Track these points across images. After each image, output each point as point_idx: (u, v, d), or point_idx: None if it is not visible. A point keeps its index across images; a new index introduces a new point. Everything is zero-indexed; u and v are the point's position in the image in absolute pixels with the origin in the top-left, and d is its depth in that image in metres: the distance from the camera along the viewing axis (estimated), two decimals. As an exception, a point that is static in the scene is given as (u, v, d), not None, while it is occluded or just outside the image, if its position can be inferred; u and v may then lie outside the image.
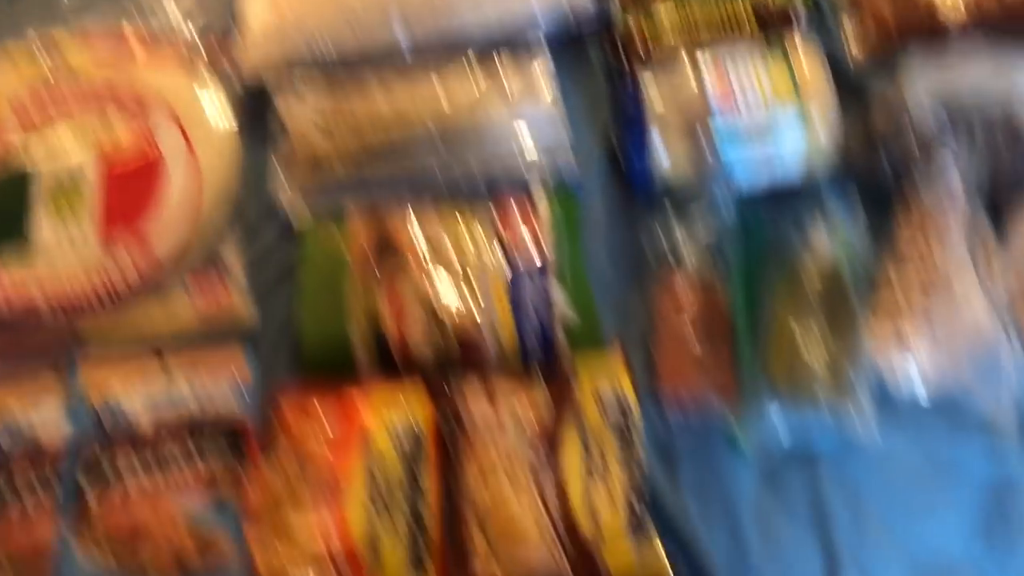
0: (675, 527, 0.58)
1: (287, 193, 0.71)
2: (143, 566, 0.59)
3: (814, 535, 0.58)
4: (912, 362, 0.59)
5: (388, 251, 0.66)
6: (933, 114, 0.61)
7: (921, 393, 0.60)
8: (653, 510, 0.58)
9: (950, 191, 0.60)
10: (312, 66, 0.73)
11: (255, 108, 0.74)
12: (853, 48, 0.71)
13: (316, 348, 0.64)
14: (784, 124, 0.63)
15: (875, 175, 0.66)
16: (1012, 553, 0.57)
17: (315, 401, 0.61)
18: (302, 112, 0.72)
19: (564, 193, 0.69)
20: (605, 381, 0.60)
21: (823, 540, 0.58)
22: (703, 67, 0.65)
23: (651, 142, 0.63)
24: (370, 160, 0.71)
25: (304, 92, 0.72)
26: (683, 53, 0.67)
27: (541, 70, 0.73)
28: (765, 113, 0.62)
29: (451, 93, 0.72)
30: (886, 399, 0.61)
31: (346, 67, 0.74)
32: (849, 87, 0.70)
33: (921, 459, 0.60)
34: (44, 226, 0.67)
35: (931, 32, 0.71)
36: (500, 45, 0.73)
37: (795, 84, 0.63)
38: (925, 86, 0.60)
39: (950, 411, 0.60)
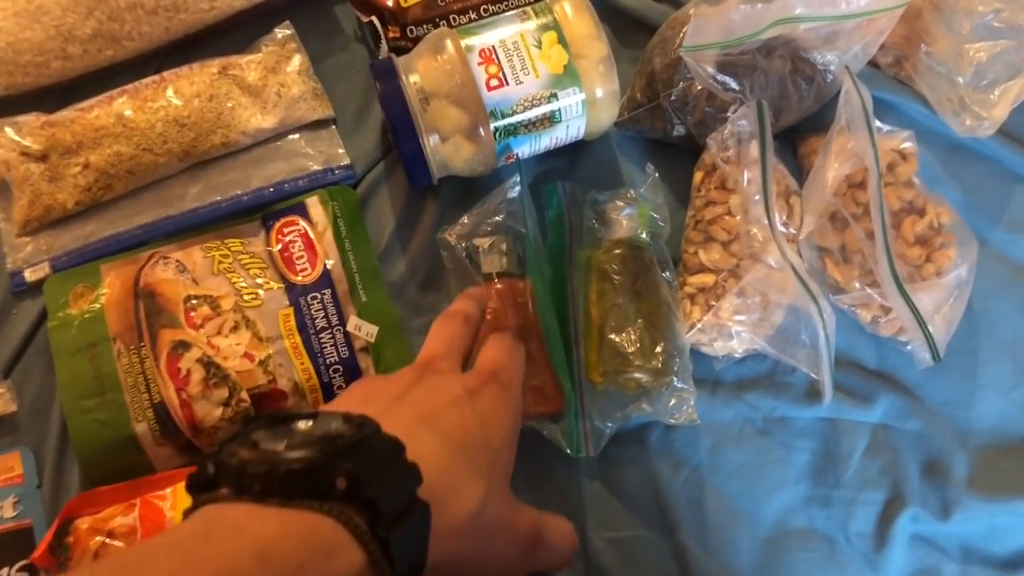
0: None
1: (13, 244, 0.61)
2: None
3: (653, 516, 0.58)
4: (724, 333, 0.57)
5: (153, 309, 0.58)
6: (712, 60, 0.57)
7: (737, 359, 0.59)
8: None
9: (741, 139, 0.56)
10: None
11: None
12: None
13: (96, 451, 0.56)
14: (558, 87, 0.57)
15: (665, 129, 0.62)
16: (837, 486, 0.58)
17: (107, 514, 0.54)
18: (7, 136, 0.61)
19: (342, 195, 0.62)
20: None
21: (664, 527, 0.57)
22: (463, 35, 0.57)
23: (419, 132, 0.57)
24: (105, 186, 0.61)
25: (7, 123, 0.61)
26: (442, 28, 0.59)
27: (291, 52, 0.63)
28: (536, 80, 0.56)
29: (186, 96, 0.62)
30: (706, 371, 0.60)
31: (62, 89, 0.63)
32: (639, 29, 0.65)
33: (744, 423, 0.59)
34: None
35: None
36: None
37: (564, 43, 0.57)
38: (700, 27, 0.55)
39: (767, 372, 0.60)
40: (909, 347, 0.57)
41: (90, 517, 0.55)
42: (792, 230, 0.59)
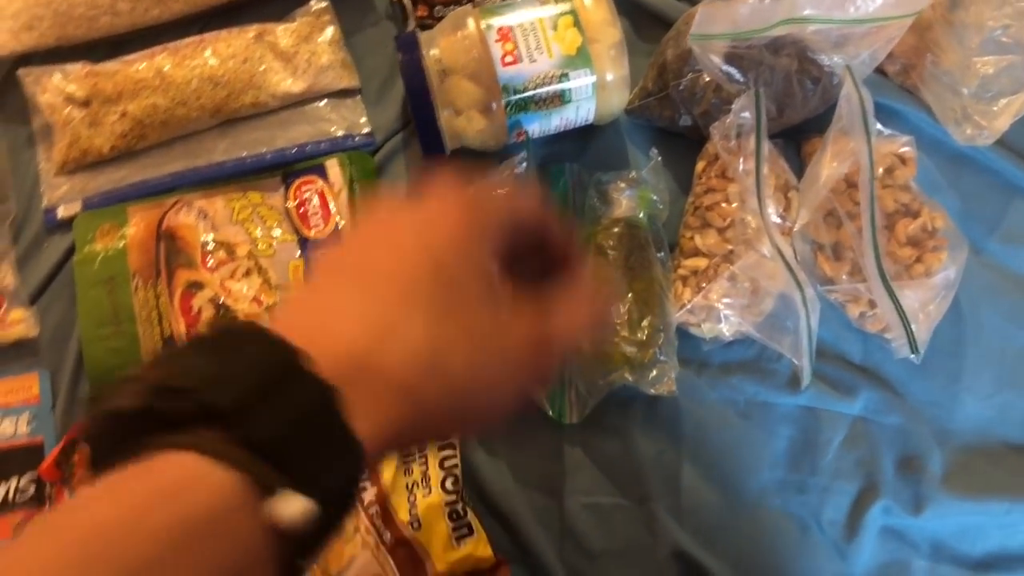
0: (496, 503, 0.58)
1: (50, 183, 0.65)
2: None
3: (629, 485, 0.59)
4: (713, 315, 0.59)
5: (173, 250, 0.61)
6: (720, 52, 0.59)
7: (725, 343, 0.61)
8: (473, 490, 0.58)
9: (742, 131, 0.58)
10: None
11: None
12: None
13: (105, 376, 0.59)
14: (570, 68, 0.59)
15: (673, 119, 0.64)
16: (813, 474, 0.60)
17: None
18: (54, 82, 0.65)
19: (360, 160, 0.65)
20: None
21: (639, 495, 0.59)
22: (484, 15, 0.60)
23: (435, 103, 0.60)
24: (140, 135, 0.65)
25: (57, 69, 0.65)
26: (467, 5, 0.63)
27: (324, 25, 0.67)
28: (549, 60, 0.59)
29: (222, 57, 0.66)
30: (693, 351, 0.61)
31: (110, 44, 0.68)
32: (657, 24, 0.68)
33: (727, 405, 0.61)
34: None
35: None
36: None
37: (580, 27, 0.60)
38: (708, 16, 0.57)
39: (753, 358, 0.61)
40: (893, 344, 0.58)
41: (96, 438, 0.58)
42: (788, 223, 0.61)
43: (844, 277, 0.60)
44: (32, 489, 0.59)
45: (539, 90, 0.60)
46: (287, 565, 0.28)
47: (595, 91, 0.61)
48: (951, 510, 0.59)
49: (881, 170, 0.61)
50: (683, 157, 0.65)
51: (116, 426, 0.27)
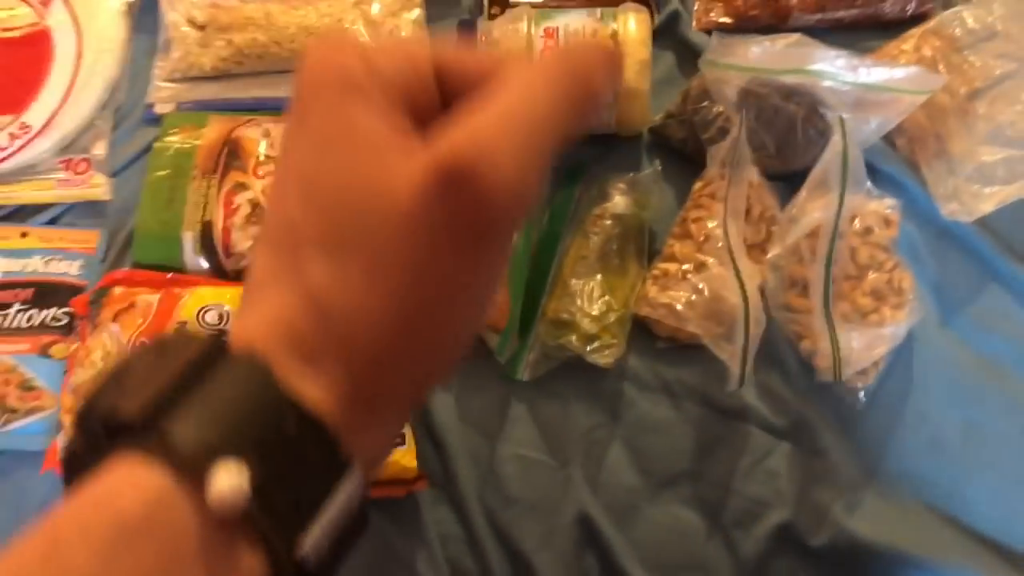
0: (436, 431, 0.65)
1: (158, 87, 0.77)
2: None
3: (557, 446, 0.64)
4: (673, 312, 0.64)
5: (233, 156, 0.72)
6: (729, 87, 0.66)
7: (680, 343, 0.66)
8: (420, 415, 0.65)
9: (735, 159, 0.64)
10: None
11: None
12: (696, 22, 0.76)
13: (148, 241, 0.70)
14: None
15: (687, 142, 0.71)
16: (729, 476, 0.64)
17: (138, 290, 0.67)
18: (183, 5, 0.78)
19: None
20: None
21: (563, 459, 0.64)
22: (538, 17, 0.69)
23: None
24: (238, 62, 0.77)
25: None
26: (527, 5, 0.72)
27: None
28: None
29: (322, 13, 0.77)
30: (647, 345, 0.67)
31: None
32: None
33: (667, 398, 0.65)
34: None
35: (776, 14, 0.76)
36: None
37: (615, 41, 0.67)
38: (720, 45, 0.64)
39: (702, 362, 0.66)
40: (821, 365, 0.62)
41: (125, 288, 0.68)
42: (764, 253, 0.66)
43: (805, 312, 0.65)
44: (65, 319, 0.69)
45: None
46: (280, 550, 0.25)
47: (617, 99, 0.68)
48: (850, 546, 0.61)
49: (864, 225, 0.65)
50: (690, 178, 0.71)
51: (74, 454, 0.27)
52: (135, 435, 0.25)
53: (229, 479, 0.24)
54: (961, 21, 0.72)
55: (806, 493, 0.63)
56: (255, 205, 0.70)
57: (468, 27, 0.70)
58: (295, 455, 0.26)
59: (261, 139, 0.73)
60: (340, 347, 0.28)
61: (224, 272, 0.70)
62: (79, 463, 0.26)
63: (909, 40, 0.72)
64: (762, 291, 0.65)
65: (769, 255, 0.66)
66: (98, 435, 0.26)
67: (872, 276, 0.65)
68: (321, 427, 0.27)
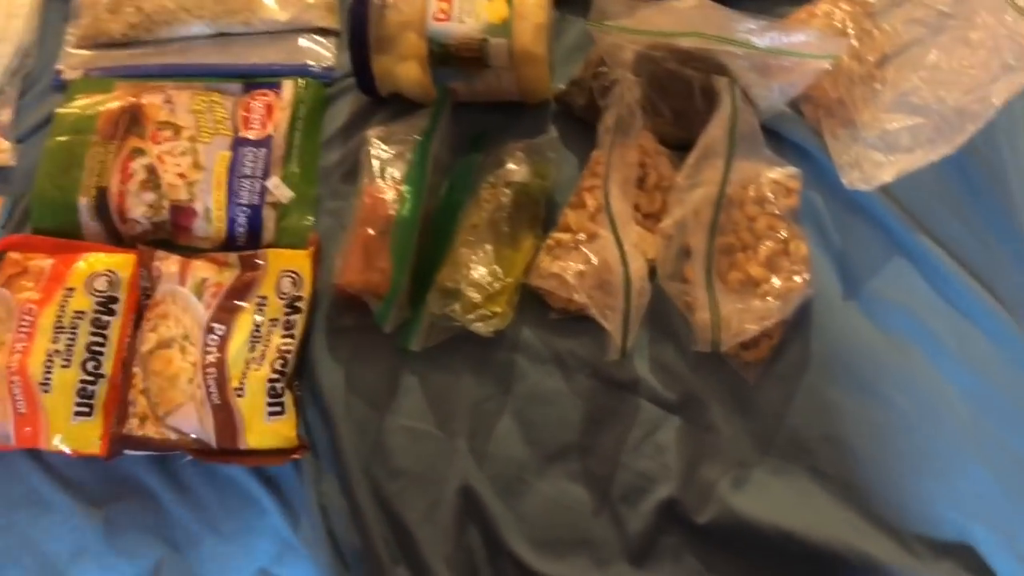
0: (323, 401, 0.64)
1: (67, 53, 0.77)
2: None
3: (446, 419, 0.64)
4: (564, 283, 0.63)
5: (134, 122, 0.71)
6: (625, 51, 0.64)
7: (572, 315, 0.64)
8: (308, 384, 0.64)
9: (622, 125, 0.63)
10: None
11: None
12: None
13: (46, 207, 0.70)
14: (490, 34, 0.65)
15: (588, 109, 0.69)
16: (616, 450, 0.62)
17: (32, 255, 0.67)
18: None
19: (313, 87, 0.74)
20: (290, 269, 0.66)
21: (451, 431, 0.63)
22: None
23: (369, 44, 0.67)
24: (147, 28, 0.76)
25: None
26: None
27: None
28: (475, 24, 0.65)
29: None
30: (540, 316, 0.65)
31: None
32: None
33: (558, 369, 0.64)
34: None
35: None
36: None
37: (511, 3, 0.66)
38: (619, 20, 0.62)
39: (594, 333, 0.64)
40: (698, 333, 0.60)
41: (20, 253, 0.68)
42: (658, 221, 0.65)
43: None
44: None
45: (461, 50, 0.66)
46: None
47: (513, 62, 0.67)
48: (735, 524, 0.60)
49: (760, 194, 0.63)
50: (593, 146, 0.69)
51: None
52: None
53: None
54: (875, -15, 0.69)
55: (693, 469, 0.62)
56: (150, 171, 0.69)
57: (366, -9, 0.68)
58: None
59: (163, 105, 0.72)
60: None
61: (120, 238, 0.69)
62: None
63: (822, 5, 0.69)
64: (654, 262, 0.64)
65: (661, 224, 0.64)
66: None
67: (767, 246, 0.63)
68: None
